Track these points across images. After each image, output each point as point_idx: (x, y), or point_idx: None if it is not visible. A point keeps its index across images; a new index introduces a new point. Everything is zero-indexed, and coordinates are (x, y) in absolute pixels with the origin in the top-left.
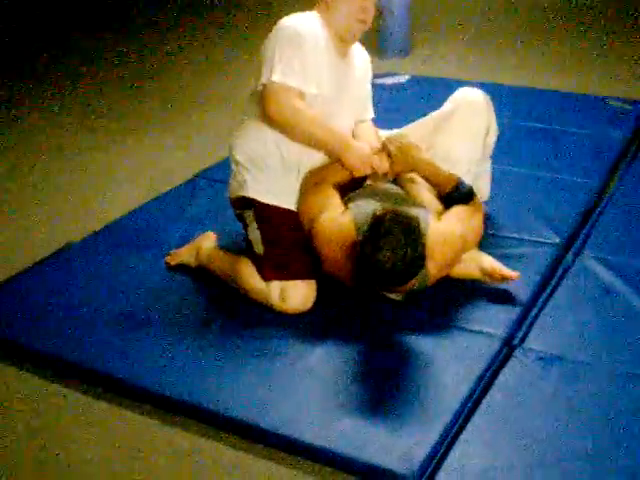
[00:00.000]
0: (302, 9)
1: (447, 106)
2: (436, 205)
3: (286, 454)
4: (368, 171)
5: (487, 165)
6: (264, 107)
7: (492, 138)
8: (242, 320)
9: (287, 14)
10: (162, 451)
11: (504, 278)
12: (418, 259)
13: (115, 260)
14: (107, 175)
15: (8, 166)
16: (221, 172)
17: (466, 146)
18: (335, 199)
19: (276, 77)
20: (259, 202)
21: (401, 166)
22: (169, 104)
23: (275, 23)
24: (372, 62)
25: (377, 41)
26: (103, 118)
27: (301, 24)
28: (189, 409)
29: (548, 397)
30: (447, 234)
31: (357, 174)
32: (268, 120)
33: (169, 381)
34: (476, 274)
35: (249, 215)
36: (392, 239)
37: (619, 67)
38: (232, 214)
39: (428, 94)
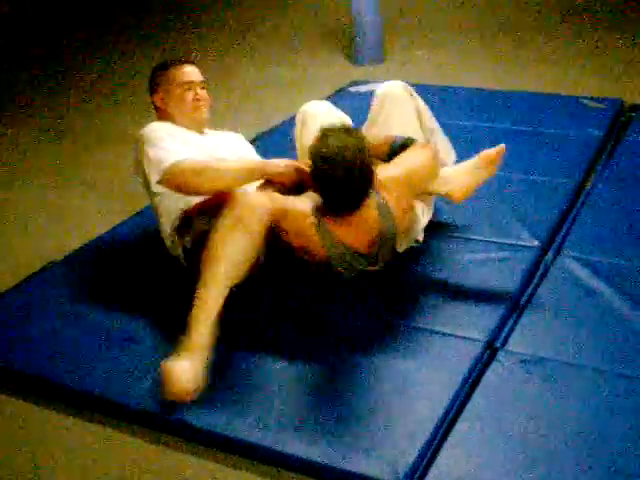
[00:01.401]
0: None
1: (374, 105)
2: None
3: (270, 467)
4: (293, 174)
5: (438, 135)
6: (175, 193)
7: (426, 116)
8: (225, 335)
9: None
10: (149, 470)
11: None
12: (365, 158)
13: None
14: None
15: None
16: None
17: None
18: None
19: (162, 168)
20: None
21: None
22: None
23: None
24: (347, 70)
25: (350, 48)
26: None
27: (155, 125)
28: (176, 427)
29: (532, 399)
30: (396, 174)
31: (287, 178)
32: (189, 194)
33: (152, 399)
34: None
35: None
36: (335, 135)
37: (592, 66)
38: None
39: None
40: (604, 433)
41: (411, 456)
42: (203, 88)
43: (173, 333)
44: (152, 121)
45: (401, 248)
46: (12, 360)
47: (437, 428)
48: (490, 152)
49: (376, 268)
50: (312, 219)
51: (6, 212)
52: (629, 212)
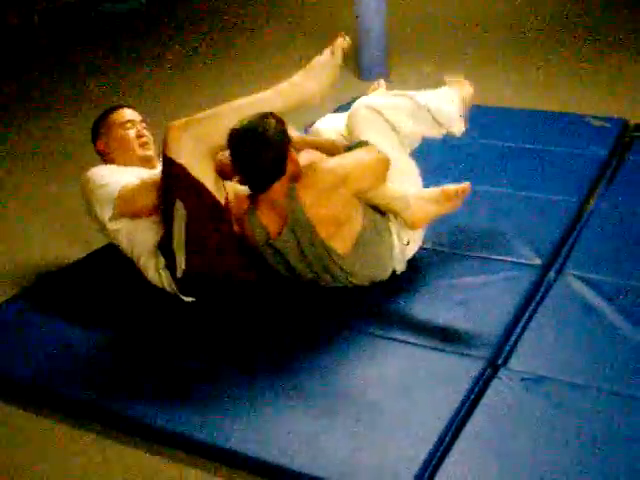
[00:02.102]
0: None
1: (345, 132)
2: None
3: None
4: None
5: (426, 117)
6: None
7: (403, 124)
8: (222, 347)
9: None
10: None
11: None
12: (275, 140)
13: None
14: None
15: None
16: None
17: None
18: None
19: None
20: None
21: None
22: None
23: None
24: (352, 85)
25: (356, 63)
26: None
27: (98, 167)
28: (176, 439)
29: (533, 418)
30: (318, 165)
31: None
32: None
33: (154, 412)
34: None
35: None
36: (251, 118)
37: (597, 84)
38: None
39: None
40: (605, 453)
41: (411, 473)
42: (144, 127)
43: (169, 345)
44: None
45: (378, 275)
46: (10, 370)
47: (437, 446)
48: (450, 189)
49: (310, 277)
50: (248, 203)
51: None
52: (631, 231)
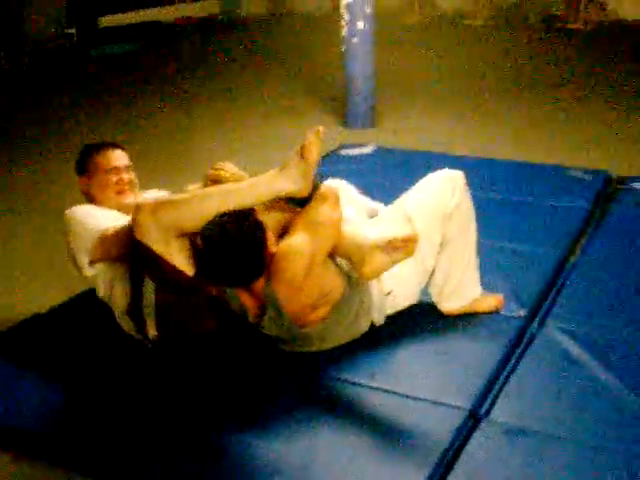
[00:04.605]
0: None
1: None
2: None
3: None
4: None
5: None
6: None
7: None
8: (202, 395)
9: None
10: None
11: (406, 241)
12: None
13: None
14: None
15: None
16: None
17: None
18: None
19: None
20: None
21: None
22: None
23: None
24: (339, 133)
25: (343, 112)
26: None
27: (78, 209)
28: None
29: (515, 471)
30: (291, 252)
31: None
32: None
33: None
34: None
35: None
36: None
37: (582, 135)
38: None
39: (393, 164)
40: None
41: None
42: (128, 172)
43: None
44: None
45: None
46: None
47: None
48: (397, 238)
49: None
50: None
51: None
52: (614, 284)
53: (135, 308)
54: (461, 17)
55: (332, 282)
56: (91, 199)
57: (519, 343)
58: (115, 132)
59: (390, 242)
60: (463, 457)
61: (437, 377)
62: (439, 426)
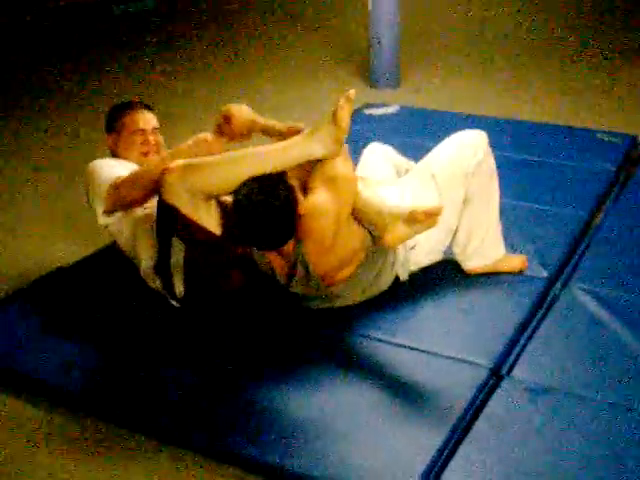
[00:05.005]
0: None
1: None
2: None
3: None
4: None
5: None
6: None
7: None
8: (229, 350)
9: None
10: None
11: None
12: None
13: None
14: None
15: None
16: None
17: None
18: None
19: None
20: None
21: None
22: None
23: None
24: (363, 92)
25: (367, 71)
26: None
27: (103, 160)
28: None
29: (535, 428)
30: (317, 212)
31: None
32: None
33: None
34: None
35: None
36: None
37: (608, 99)
38: None
39: (417, 125)
40: (608, 465)
41: (412, 479)
42: (154, 134)
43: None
44: None
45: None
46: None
47: (439, 454)
48: (418, 211)
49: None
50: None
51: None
52: (637, 246)
53: (162, 265)
54: None
55: (358, 241)
56: (117, 155)
57: (542, 304)
58: (142, 93)
59: (411, 213)
60: (484, 414)
61: (459, 335)
62: (461, 383)
